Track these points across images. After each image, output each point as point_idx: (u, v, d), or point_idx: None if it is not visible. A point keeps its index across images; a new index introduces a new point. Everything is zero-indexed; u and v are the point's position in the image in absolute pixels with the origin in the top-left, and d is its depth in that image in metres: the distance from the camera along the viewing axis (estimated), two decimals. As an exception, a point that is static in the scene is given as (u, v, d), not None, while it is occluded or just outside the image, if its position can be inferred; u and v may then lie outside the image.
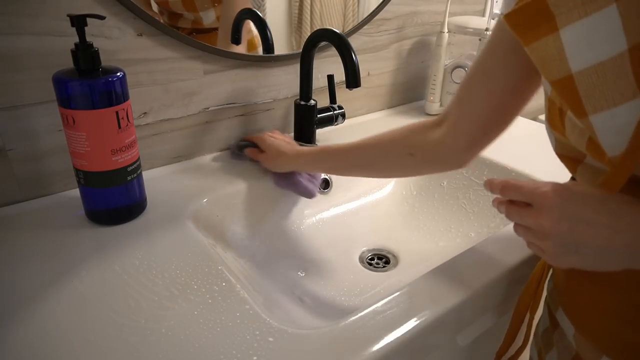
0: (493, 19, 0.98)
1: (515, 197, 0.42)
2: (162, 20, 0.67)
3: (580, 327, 0.47)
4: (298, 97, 0.80)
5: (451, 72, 0.98)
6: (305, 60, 0.75)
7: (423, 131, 0.57)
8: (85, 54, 0.52)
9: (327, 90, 0.83)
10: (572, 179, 0.49)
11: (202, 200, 0.66)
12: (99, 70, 0.53)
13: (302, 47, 0.74)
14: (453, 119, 0.54)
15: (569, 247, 0.37)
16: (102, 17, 0.53)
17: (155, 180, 0.71)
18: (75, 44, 0.52)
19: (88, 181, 0.57)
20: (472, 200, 0.80)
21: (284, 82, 0.84)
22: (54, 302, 0.47)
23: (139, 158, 0.60)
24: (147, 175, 0.72)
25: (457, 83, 0.98)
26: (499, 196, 0.44)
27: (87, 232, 0.58)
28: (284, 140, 0.74)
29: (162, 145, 0.74)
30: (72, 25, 0.51)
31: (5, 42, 0.55)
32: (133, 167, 0.59)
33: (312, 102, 0.79)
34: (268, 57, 0.80)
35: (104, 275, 0.51)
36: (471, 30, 0.96)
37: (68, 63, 0.54)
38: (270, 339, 0.44)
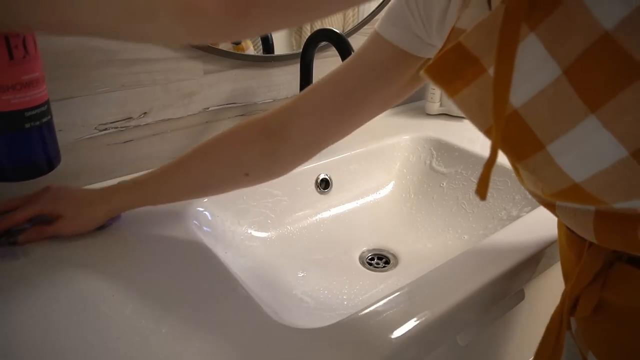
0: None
1: None
2: None
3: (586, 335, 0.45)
4: (298, 97, 0.80)
5: (451, 72, 0.98)
6: (305, 60, 0.75)
7: (254, 147, 0.54)
8: None
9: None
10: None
11: (202, 200, 0.66)
12: None
13: (302, 47, 0.74)
14: (294, 128, 0.52)
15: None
16: None
17: (155, 180, 0.71)
18: None
19: None
20: (471, 200, 0.80)
21: (284, 82, 0.84)
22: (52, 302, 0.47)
23: (45, 103, 0.49)
24: (147, 175, 0.73)
25: (457, 83, 0.98)
26: None
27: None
28: (65, 191, 0.57)
29: (162, 145, 0.74)
30: None
31: None
32: (35, 112, 0.47)
33: (312, 102, 0.79)
34: (268, 57, 0.80)
35: (95, 278, 0.51)
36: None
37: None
38: (270, 339, 0.44)
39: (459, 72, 0.35)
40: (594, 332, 0.44)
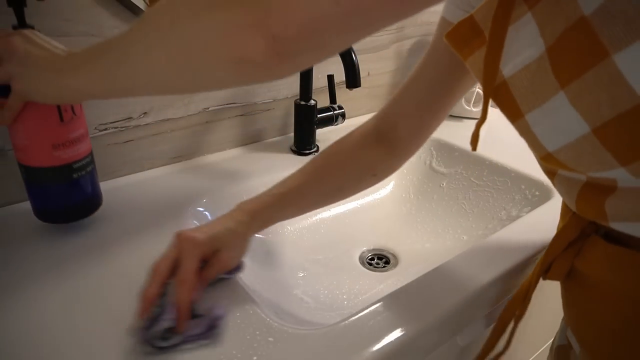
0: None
1: None
2: None
3: (584, 345, 0.46)
4: (298, 97, 0.80)
5: (451, 72, 0.98)
6: (305, 60, 0.75)
7: (374, 148, 0.58)
8: None
9: (327, 90, 0.83)
10: None
11: (202, 200, 0.66)
12: None
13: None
14: (401, 129, 0.57)
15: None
16: None
17: (155, 180, 0.71)
18: (14, 26, 0.48)
19: (29, 177, 0.53)
20: (471, 200, 0.80)
21: (284, 82, 0.84)
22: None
23: (89, 154, 0.55)
24: (147, 175, 0.73)
25: (457, 83, 0.98)
26: None
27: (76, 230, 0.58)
28: (210, 227, 0.51)
29: (162, 145, 0.74)
30: (9, 6, 0.47)
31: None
32: (81, 164, 0.54)
33: (312, 102, 0.79)
34: (268, 57, 0.80)
35: (97, 276, 0.51)
36: (471, 30, 0.96)
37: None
38: (270, 339, 0.44)
39: (468, 41, 0.40)
40: (568, 308, 0.47)
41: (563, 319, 0.52)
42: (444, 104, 0.55)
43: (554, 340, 0.55)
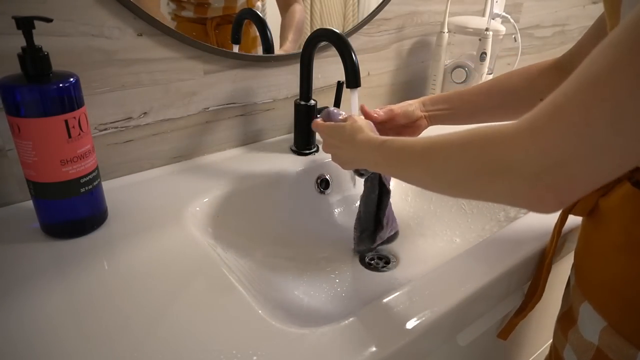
0: (493, 19, 0.98)
1: (316, 130, 0.66)
2: (183, 15, 0.66)
3: (577, 277, 0.50)
4: (298, 97, 0.80)
5: (451, 72, 0.98)
6: (305, 60, 0.75)
7: (548, 74, 0.60)
8: (33, 58, 0.49)
9: (327, 90, 0.83)
10: None
11: (203, 200, 0.66)
12: (49, 76, 0.51)
13: (302, 47, 0.74)
14: (579, 62, 0.56)
15: (338, 157, 0.62)
16: (49, 20, 0.50)
17: (155, 180, 0.71)
18: (23, 48, 0.49)
19: (38, 192, 0.54)
20: (470, 201, 0.80)
21: (284, 82, 0.84)
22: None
23: (95, 169, 0.57)
24: (147, 175, 0.73)
25: (457, 83, 0.98)
26: None
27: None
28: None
29: (162, 145, 0.74)
30: (18, 28, 0.48)
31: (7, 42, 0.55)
32: (87, 179, 0.56)
33: (312, 102, 0.79)
34: (268, 57, 0.80)
35: (96, 279, 0.51)
36: (471, 30, 0.96)
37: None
38: (270, 339, 0.44)
39: None
40: (589, 277, 0.49)
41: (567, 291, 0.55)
42: None
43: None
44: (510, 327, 0.61)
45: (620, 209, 0.44)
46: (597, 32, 0.56)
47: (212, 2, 0.69)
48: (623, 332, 0.43)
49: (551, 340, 0.56)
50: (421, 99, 0.70)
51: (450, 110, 0.68)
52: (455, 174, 0.41)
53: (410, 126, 0.70)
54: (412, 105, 0.69)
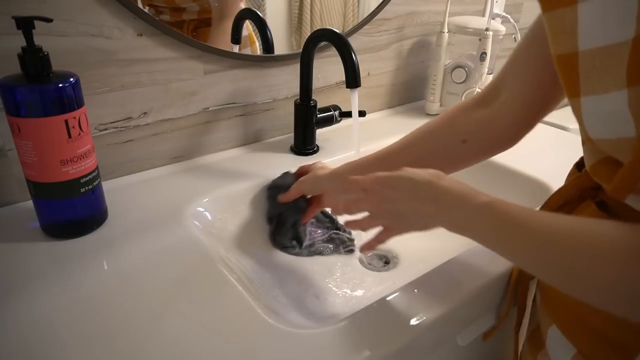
0: (493, 19, 0.98)
1: (355, 188, 0.50)
2: (161, 18, 0.66)
3: (544, 298, 0.49)
4: (298, 97, 0.80)
5: (451, 72, 0.98)
6: (305, 60, 0.75)
7: (470, 113, 0.55)
8: (33, 58, 0.49)
9: (327, 90, 0.83)
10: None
11: (203, 200, 0.66)
12: (49, 76, 0.51)
13: (302, 47, 0.74)
14: (505, 94, 0.52)
15: (398, 217, 0.48)
16: (49, 20, 0.50)
17: (155, 180, 0.71)
18: (23, 48, 0.50)
19: (38, 192, 0.54)
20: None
21: (284, 82, 0.84)
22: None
23: (95, 169, 0.57)
24: (147, 175, 0.73)
25: (457, 83, 0.98)
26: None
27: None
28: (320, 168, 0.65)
29: (162, 145, 0.74)
30: (18, 28, 0.49)
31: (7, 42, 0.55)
32: (87, 179, 0.56)
33: (312, 102, 0.79)
34: (268, 57, 0.80)
35: (95, 278, 0.51)
36: (471, 30, 0.96)
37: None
38: (270, 339, 0.44)
39: None
40: (554, 299, 0.47)
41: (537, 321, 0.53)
42: (553, 84, 0.48)
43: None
44: (487, 336, 0.59)
45: None
46: (519, 63, 0.51)
47: (187, 7, 0.69)
48: None
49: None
50: (333, 172, 0.61)
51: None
52: (564, 279, 0.37)
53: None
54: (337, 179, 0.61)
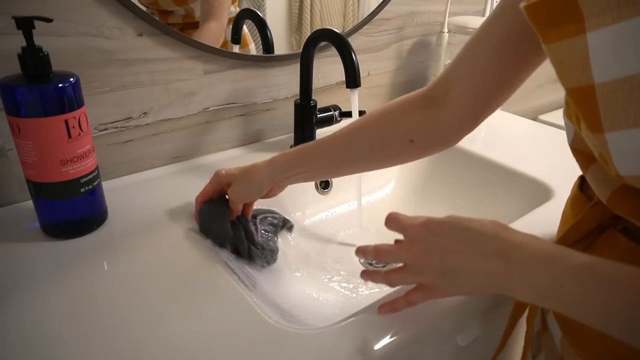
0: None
1: (393, 228, 0.45)
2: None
3: (567, 332, 0.45)
4: (298, 97, 0.80)
5: (451, 72, 0.98)
6: (305, 60, 0.75)
7: (417, 112, 0.52)
8: (33, 58, 0.49)
9: (327, 90, 0.83)
10: (581, 178, 0.48)
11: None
12: (49, 76, 0.51)
13: (302, 47, 0.74)
14: (453, 93, 0.49)
15: (445, 274, 0.40)
16: (49, 20, 0.50)
17: (155, 180, 0.71)
18: (23, 48, 0.50)
19: (38, 192, 0.54)
20: (471, 201, 0.80)
21: (284, 82, 0.84)
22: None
23: (95, 169, 0.57)
24: (147, 175, 0.73)
25: (457, 83, 0.98)
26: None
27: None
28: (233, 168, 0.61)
29: (162, 145, 0.74)
30: (18, 28, 0.49)
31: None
32: (87, 178, 0.56)
33: (312, 102, 0.79)
34: (268, 57, 0.80)
35: (95, 278, 0.51)
36: (471, 30, 0.96)
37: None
38: (270, 339, 0.44)
39: (558, 23, 0.32)
40: (582, 334, 0.43)
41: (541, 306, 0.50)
42: (505, 76, 0.46)
43: (533, 326, 0.53)
44: None
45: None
46: (469, 60, 0.48)
47: (174, 11, 0.69)
48: None
49: None
50: (265, 168, 0.58)
51: (307, 172, 0.57)
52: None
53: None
54: (256, 185, 0.58)
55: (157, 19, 0.67)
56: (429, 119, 0.51)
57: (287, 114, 0.87)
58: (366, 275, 0.47)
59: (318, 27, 0.77)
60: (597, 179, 0.40)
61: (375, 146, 0.54)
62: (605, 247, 0.41)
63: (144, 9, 0.65)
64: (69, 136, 0.52)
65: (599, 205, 0.41)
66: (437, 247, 0.40)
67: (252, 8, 0.78)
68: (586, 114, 0.33)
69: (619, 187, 0.37)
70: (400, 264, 0.44)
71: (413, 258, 0.42)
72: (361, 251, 0.47)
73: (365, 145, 0.54)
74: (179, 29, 0.69)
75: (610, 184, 0.38)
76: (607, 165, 0.34)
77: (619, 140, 0.31)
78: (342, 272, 0.69)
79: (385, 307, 0.46)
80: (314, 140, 0.57)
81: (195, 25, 0.72)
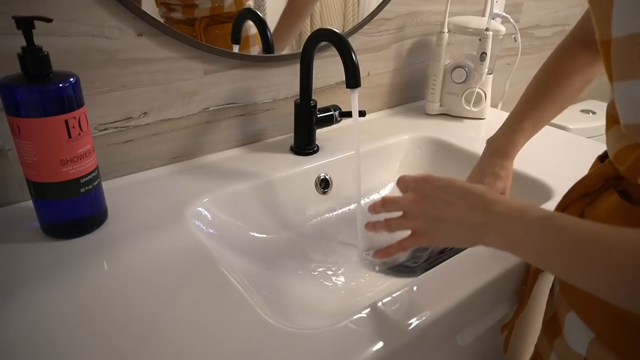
0: (493, 19, 0.98)
1: (400, 186, 0.49)
2: (172, 16, 0.66)
3: (562, 284, 0.49)
4: (298, 97, 0.80)
5: (451, 72, 0.98)
6: (305, 61, 0.75)
7: (586, 63, 0.59)
8: (33, 58, 0.49)
9: (327, 90, 0.83)
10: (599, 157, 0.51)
11: (203, 200, 0.66)
12: (49, 76, 0.51)
13: (302, 47, 0.74)
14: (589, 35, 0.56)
15: (435, 221, 0.44)
16: (49, 20, 0.50)
17: (155, 180, 0.71)
18: (23, 48, 0.50)
19: (38, 192, 0.54)
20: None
21: (284, 82, 0.84)
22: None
23: (95, 169, 0.57)
24: (147, 175, 0.73)
25: (457, 83, 0.98)
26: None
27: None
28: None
29: (162, 145, 0.74)
30: (18, 28, 0.49)
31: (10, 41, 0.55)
32: (87, 178, 0.56)
33: (312, 102, 0.79)
34: (268, 57, 0.80)
35: (96, 278, 0.51)
36: (471, 30, 0.96)
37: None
38: (270, 339, 0.44)
39: None
40: (574, 286, 0.45)
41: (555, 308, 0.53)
42: None
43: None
44: (506, 342, 0.59)
45: (608, 221, 0.38)
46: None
47: (199, 3, 0.69)
48: (614, 347, 0.42)
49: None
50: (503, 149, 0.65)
51: (532, 132, 0.64)
52: (633, 297, 0.33)
53: None
54: (504, 171, 0.64)
55: (181, 15, 0.66)
56: (591, 63, 0.59)
57: (287, 114, 0.87)
58: (369, 226, 0.52)
59: (318, 27, 0.77)
60: (613, 137, 0.43)
61: (571, 98, 0.61)
62: (602, 204, 0.45)
63: (159, 12, 0.64)
64: (69, 136, 0.52)
65: (606, 165, 0.45)
66: (431, 196, 0.45)
67: (252, 8, 0.78)
68: (605, 65, 0.38)
69: (627, 145, 0.41)
70: (400, 213, 0.49)
71: (410, 204, 0.47)
72: (372, 206, 0.51)
73: (566, 99, 0.61)
74: (206, 24, 0.68)
75: (622, 142, 0.41)
76: (609, 114, 0.39)
77: (623, 89, 0.36)
78: (342, 272, 0.69)
79: (380, 252, 0.51)
80: (524, 101, 0.65)
81: (222, 21, 0.70)
